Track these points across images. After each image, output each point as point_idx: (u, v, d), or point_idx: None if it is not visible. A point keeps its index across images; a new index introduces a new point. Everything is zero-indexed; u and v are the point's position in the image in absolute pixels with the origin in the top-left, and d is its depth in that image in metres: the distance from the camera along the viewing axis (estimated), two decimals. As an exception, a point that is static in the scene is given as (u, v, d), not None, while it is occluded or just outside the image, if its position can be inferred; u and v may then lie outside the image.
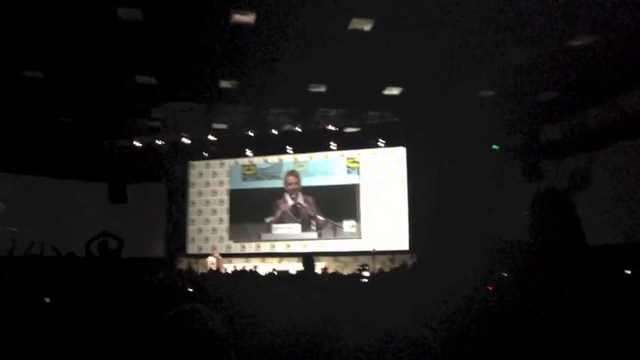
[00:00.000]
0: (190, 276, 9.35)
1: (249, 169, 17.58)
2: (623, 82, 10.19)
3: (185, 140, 16.20)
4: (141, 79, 10.68)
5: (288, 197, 17.00)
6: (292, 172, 17.11)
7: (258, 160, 17.53)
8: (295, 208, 16.89)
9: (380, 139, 16.10)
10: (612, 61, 9.18)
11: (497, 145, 13.79)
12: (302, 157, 17.12)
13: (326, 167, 16.94)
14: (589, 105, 11.54)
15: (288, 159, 17.23)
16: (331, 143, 16.29)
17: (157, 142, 16.33)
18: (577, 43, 8.74)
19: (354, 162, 16.66)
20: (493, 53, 9.28)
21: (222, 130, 15.44)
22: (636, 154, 10.51)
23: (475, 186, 13.31)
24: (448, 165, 13.38)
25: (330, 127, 15.48)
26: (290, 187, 17.02)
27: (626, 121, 10.80)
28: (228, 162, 17.80)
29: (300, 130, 15.57)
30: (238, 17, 8.07)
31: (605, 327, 2.21)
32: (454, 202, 13.23)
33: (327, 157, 16.93)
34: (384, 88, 11.12)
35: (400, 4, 7.57)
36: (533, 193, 2.59)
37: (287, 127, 15.55)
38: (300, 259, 6.61)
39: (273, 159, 17.41)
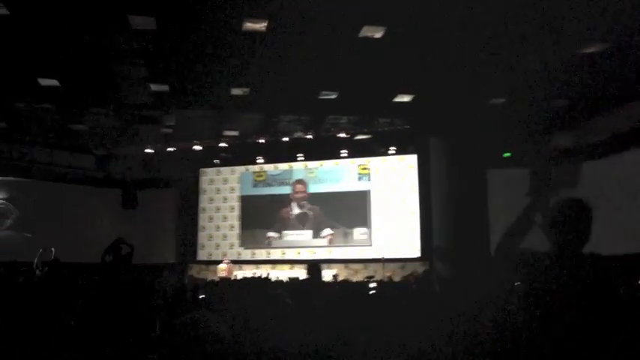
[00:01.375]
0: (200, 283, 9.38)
1: (259, 176, 17.63)
2: (635, 89, 10.13)
3: (196, 147, 16.27)
4: (153, 86, 10.75)
5: (294, 205, 17.01)
6: (300, 181, 17.14)
7: (269, 167, 17.57)
8: (301, 217, 16.89)
9: (391, 147, 16.08)
10: (625, 69, 9.13)
11: (509, 152, 13.73)
12: (312, 164, 17.14)
13: (337, 174, 16.95)
14: (602, 112, 11.47)
15: (299, 166, 17.25)
16: (342, 150, 16.29)
17: (168, 148, 16.41)
18: (590, 50, 8.70)
19: (364, 168, 16.65)
20: (505, 60, 9.25)
21: (234, 137, 15.48)
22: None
23: (487, 193, 13.24)
24: (460, 172, 13.31)
25: (341, 135, 15.47)
26: (297, 195, 17.03)
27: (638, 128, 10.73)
28: (239, 169, 17.86)
29: (310, 137, 15.58)
30: (250, 25, 8.10)
31: (626, 339, 2.19)
32: (466, 209, 13.15)
33: (337, 164, 16.94)
34: (395, 96, 11.11)
35: (411, 12, 7.57)
36: (553, 203, 2.58)
37: (298, 134, 15.57)
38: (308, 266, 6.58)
39: (283, 166, 17.44)
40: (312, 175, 17.14)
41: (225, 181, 18.04)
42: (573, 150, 12.33)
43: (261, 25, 8.12)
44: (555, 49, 8.79)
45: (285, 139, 15.79)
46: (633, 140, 10.88)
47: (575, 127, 12.28)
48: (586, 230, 2.53)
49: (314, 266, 5.40)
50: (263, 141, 15.98)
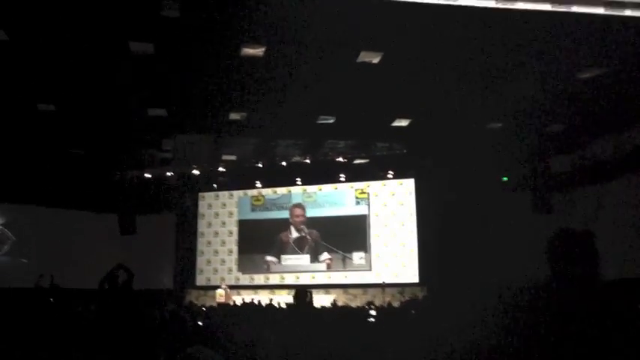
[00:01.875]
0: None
1: (257, 200, 17.59)
2: (631, 114, 10.18)
3: (195, 172, 16.27)
4: (152, 111, 10.78)
5: (293, 230, 16.96)
6: (298, 205, 17.10)
7: (267, 192, 17.55)
8: (300, 241, 16.81)
9: (389, 171, 16.10)
10: (621, 93, 9.18)
11: (507, 176, 13.75)
12: (311, 189, 17.12)
13: (335, 198, 16.92)
14: (599, 136, 11.52)
15: (297, 190, 17.23)
16: (340, 175, 16.30)
17: (167, 173, 16.41)
18: (585, 75, 8.76)
19: (362, 193, 16.63)
20: (502, 85, 9.31)
21: (232, 161, 15.51)
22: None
23: (485, 218, 13.23)
24: (457, 197, 13.32)
25: (339, 159, 15.50)
26: (297, 219, 16.98)
27: (636, 152, 10.75)
28: (237, 193, 17.83)
29: (309, 161, 15.60)
30: (248, 50, 8.17)
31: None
32: (464, 234, 13.14)
33: (336, 188, 16.92)
34: (393, 120, 11.16)
35: (408, 37, 7.63)
36: (552, 230, 2.56)
37: (296, 158, 15.59)
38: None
39: (282, 190, 17.42)
40: (310, 199, 17.11)
41: (224, 205, 18.00)
42: (570, 174, 12.35)
43: (258, 51, 8.18)
44: (551, 75, 8.86)
45: (284, 163, 15.82)
46: (629, 165, 10.90)
47: (572, 152, 12.32)
48: (587, 260, 2.52)
49: (302, 292, 5.19)
50: (261, 165, 16.01)
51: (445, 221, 13.70)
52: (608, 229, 10.36)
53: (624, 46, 7.67)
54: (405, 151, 14.93)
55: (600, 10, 6.46)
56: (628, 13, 6.63)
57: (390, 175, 16.21)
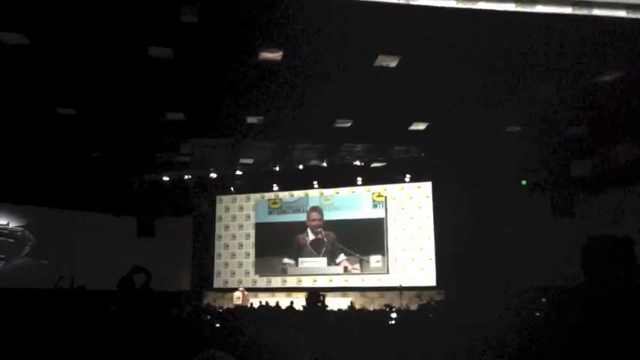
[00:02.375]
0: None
1: (275, 203, 17.64)
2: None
3: (212, 175, 16.36)
4: (170, 115, 10.87)
5: (310, 232, 16.98)
6: (315, 208, 17.11)
7: (284, 195, 17.59)
8: (316, 243, 16.82)
9: (406, 175, 16.06)
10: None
11: (525, 180, 13.64)
12: (328, 192, 17.13)
13: (352, 202, 16.91)
14: (619, 140, 11.39)
15: (314, 193, 17.25)
16: (357, 178, 16.30)
17: (185, 176, 16.52)
18: (606, 78, 8.67)
19: (379, 196, 16.60)
20: (520, 88, 9.24)
21: (249, 164, 15.57)
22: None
23: (503, 222, 13.13)
24: (475, 200, 13.24)
25: (356, 162, 15.50)
26: (313, 222, 17.00)
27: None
28: (255, 196, 17.90)
29: (326, 165, 15.61)
30: (265, 54, 8.20)
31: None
32: (481, 237, 13.05)
33: (353, 191, 16.92)
34: (410, 124, 11.12)
35: (426, 41, 7.61)
36: (589, 240, 2.54)
37: (313, 162, 15.61)
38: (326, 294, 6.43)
39: (299, 193, 17.45)
40: (327, 202, 17.12)
41: (241, 208, 18.08)
42: (591, 178, 12.22)
43: (276, 55, 8.21)
44: (572, 78, 8.78)
45: (301, 166, 15.86)
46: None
47: (592, 155, 12.19)
48: (623, 267, 2.49)
49: (313, 295, 5.16)
50: (278, 169, 16.06)
51: (462, 224, 13.62)
52: (630, 234, 10.22)
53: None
54: (422, 154, 14.89)
55: (622, 14, 6.40)
56: (650, 15, 6.55)
57: (407, 179, 16.16)
